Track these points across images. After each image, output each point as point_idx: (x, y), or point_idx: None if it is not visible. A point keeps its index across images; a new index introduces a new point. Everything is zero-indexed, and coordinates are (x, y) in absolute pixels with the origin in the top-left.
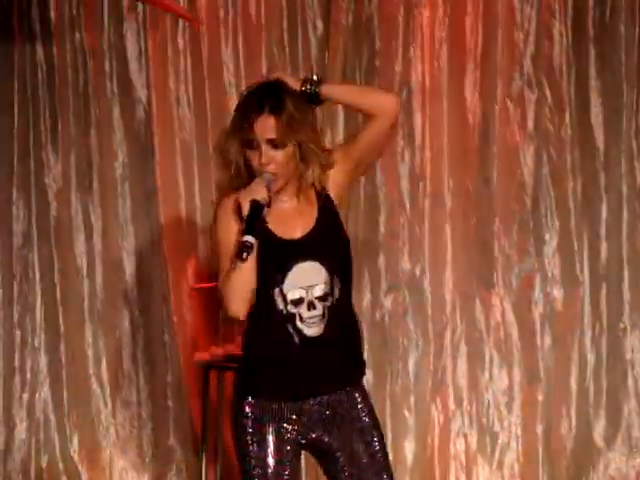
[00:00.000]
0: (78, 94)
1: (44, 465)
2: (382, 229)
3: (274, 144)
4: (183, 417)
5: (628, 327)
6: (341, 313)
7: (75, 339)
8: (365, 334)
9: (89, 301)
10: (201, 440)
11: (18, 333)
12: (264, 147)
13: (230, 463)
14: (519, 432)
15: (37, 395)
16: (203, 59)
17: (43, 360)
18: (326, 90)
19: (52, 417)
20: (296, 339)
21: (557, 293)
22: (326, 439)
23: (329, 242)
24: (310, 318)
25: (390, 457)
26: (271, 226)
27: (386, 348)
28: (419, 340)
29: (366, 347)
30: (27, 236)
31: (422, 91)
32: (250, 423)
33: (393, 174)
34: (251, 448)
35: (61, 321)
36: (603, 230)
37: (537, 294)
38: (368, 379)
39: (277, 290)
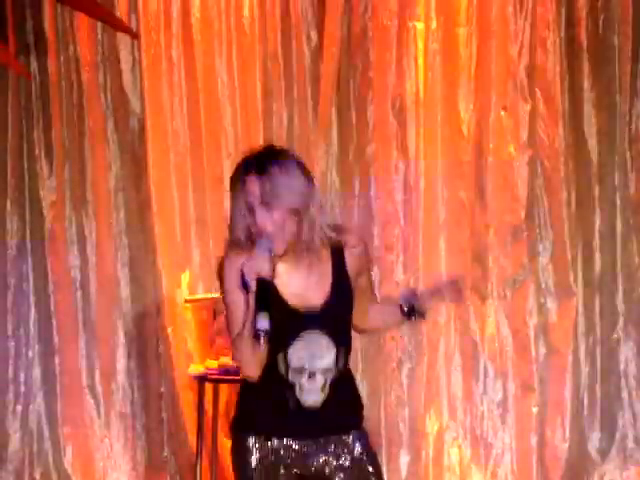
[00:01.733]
0: (72, 106)
1: (37, 476)
2: (376, 241)
3: (264, 205)
4: (177, 429)
5: (622, 338)
6: (341, 381)
7: (69, 351)
8: (359, 345)
9: (83, 313)
10: (196, 452)
11: (12, 344)
12: (257, 208)
13: (224, 475)
14: (513, 443)
15: (31, 406)
16: (197, 71)
17: (37, 371)
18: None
19: (46, 429)
20: (291, 405)
21: (551, 304)
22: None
23: (341, 314)
24: (309, 388)
25: (384, 469)
26: (282, 290)
27: (380, 359)
28: (413, 351)
29: (360, 358)
30: (21, 248)
31: (416, 102)
32: (253, 460)
33: (387, 186)
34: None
35: (55, 333)
36: (597, 241)
37: (531, 305)
38: (362, 390)
39: (281, 355)
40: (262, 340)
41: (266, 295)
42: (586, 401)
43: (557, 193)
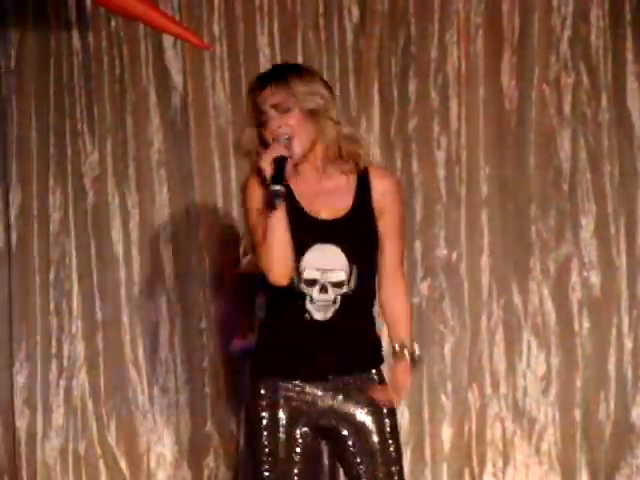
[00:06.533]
0: (114, 81)
1: (82, 452)
2: (418, 216)
3: (280, 110)
4: (220, 403)
5: None
6: (356, 303)
7: (112, 326)
8: None
9: (126, 288)
10: (238, 427)
11: (55, 320)
12: (272, 114)
13: None
14: (557, 417)
15: (74, 381)
16: (239, 45)
17: (80, 347)
18: None
19: (89, 404)
20: (306, 317)
21: (594, 278)
22: (339, 426)
23: (357, 231)
24: (320, 301)
25: (426, 443)
26: (299, 199)
27: (423, 334)
28: (456, 326)
29: None
30: (64, 223)
31: (458, 77)
32: (264, 404)
33: (429, 160)
34: (264, 425)
35: (98, 308)
36: (639, 215)
37: (574, 279)
38: None
39: (294, 265)
40: (276, 203)
41: (281, 170)
42: (630, 375)
43: (600, 166)
